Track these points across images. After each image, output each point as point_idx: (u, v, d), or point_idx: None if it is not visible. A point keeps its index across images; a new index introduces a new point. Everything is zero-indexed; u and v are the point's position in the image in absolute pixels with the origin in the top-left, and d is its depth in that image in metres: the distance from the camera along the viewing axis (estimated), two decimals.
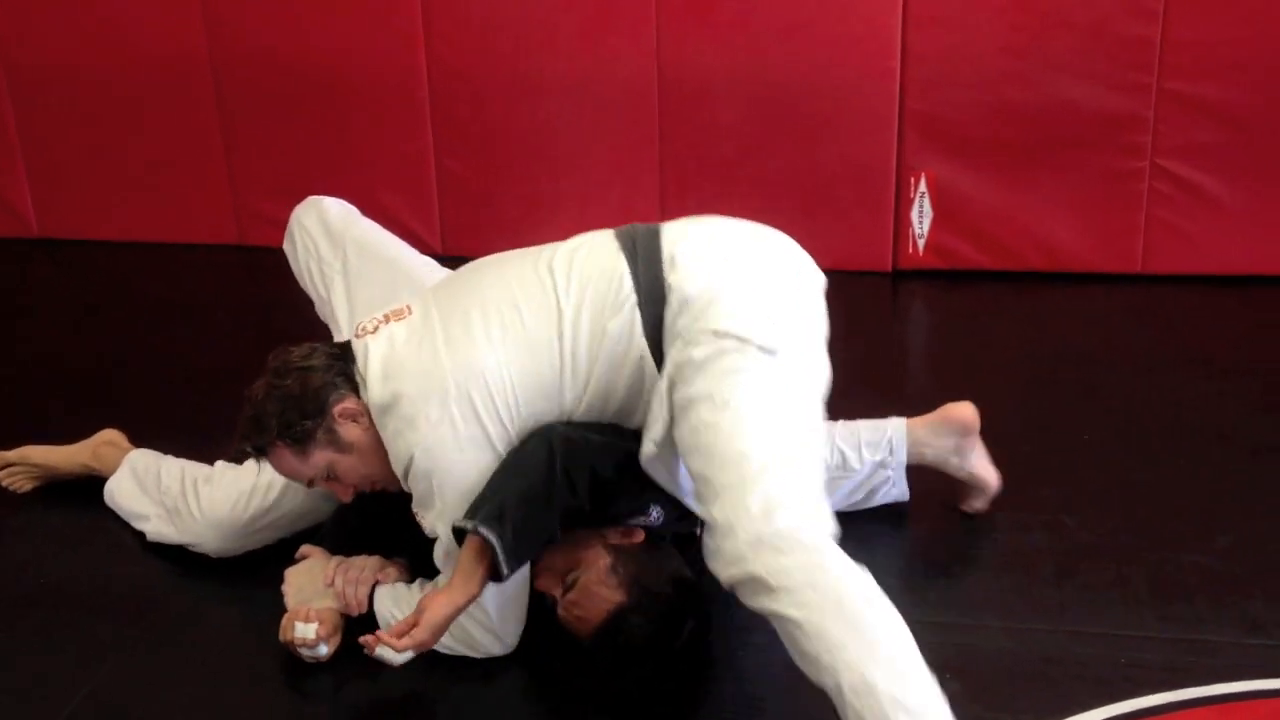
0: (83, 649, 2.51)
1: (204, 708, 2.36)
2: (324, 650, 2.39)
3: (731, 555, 2.05)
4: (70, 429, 3.03)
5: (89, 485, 2.94)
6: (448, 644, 2.36)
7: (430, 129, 4.12)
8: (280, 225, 4.21)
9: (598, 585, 2.31)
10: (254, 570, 2.66)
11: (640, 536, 2.38)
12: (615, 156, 4.05)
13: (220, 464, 2.73)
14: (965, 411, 2.67)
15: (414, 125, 4.12)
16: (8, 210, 4.52)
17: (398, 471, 2.29)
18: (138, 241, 4.46)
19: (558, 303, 2.30)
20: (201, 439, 2.87)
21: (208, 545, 2.69)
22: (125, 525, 2.84)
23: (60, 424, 3.12)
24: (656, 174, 4.04)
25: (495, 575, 2.24)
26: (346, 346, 2.37)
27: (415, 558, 2.49)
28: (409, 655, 2.24)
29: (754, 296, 2.26)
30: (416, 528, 2.52)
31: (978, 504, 2.74)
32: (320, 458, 2.31)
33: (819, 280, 2.41)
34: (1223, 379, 3.38)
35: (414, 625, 2.21)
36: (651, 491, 2.36)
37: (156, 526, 2.75)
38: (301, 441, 2.29)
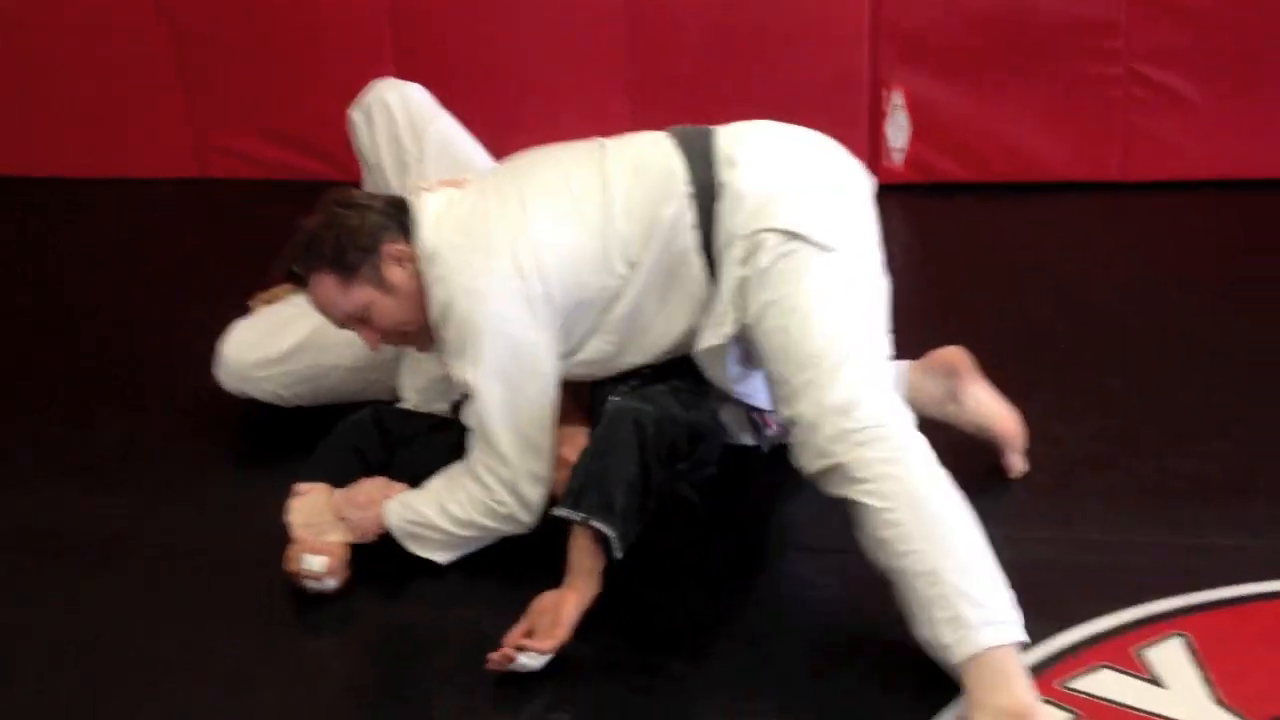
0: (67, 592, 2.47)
1: (197, 648, 2.32)
2: (331, 583, 2.35)
3: (816, 450, 2.11)
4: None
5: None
6: (468, 515, 2.36)
7: (392, 55, 3.99)
8: (243, 158, 4.21)
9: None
10: (252, 503, 2.62)
11: None
12: (582, 79, 3.96)
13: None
14: (951, 353, 2.63)
15: (375, 51, 3.99)
16: None
17: (433, 316, 2.32)
18: (92, 177, 4.30)
19: (606, 183, 2.34)
20: (177, 374, 2.84)
21: (219, 377, 2.83)
22: None
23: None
24: (625, 95, 3.94)
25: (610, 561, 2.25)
26: (403, 202, 2.41)
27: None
28: (549, 657, 2.19)
29: (809, 195, 2.30)
30: (411, 458, 2.51)
31: (1012, 461, 2.61)
32: (361, 294, 2.33)
33: (869, 184, 2.44)
34: (1206, 284, 3.37)
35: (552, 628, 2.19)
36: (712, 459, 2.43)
37: None
38: (348, 272, 2.32)
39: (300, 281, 2.39)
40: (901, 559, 2.03)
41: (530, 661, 2.17)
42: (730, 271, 2.28)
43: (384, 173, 2.92)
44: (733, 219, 2.29)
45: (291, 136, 4.16)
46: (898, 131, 3.86)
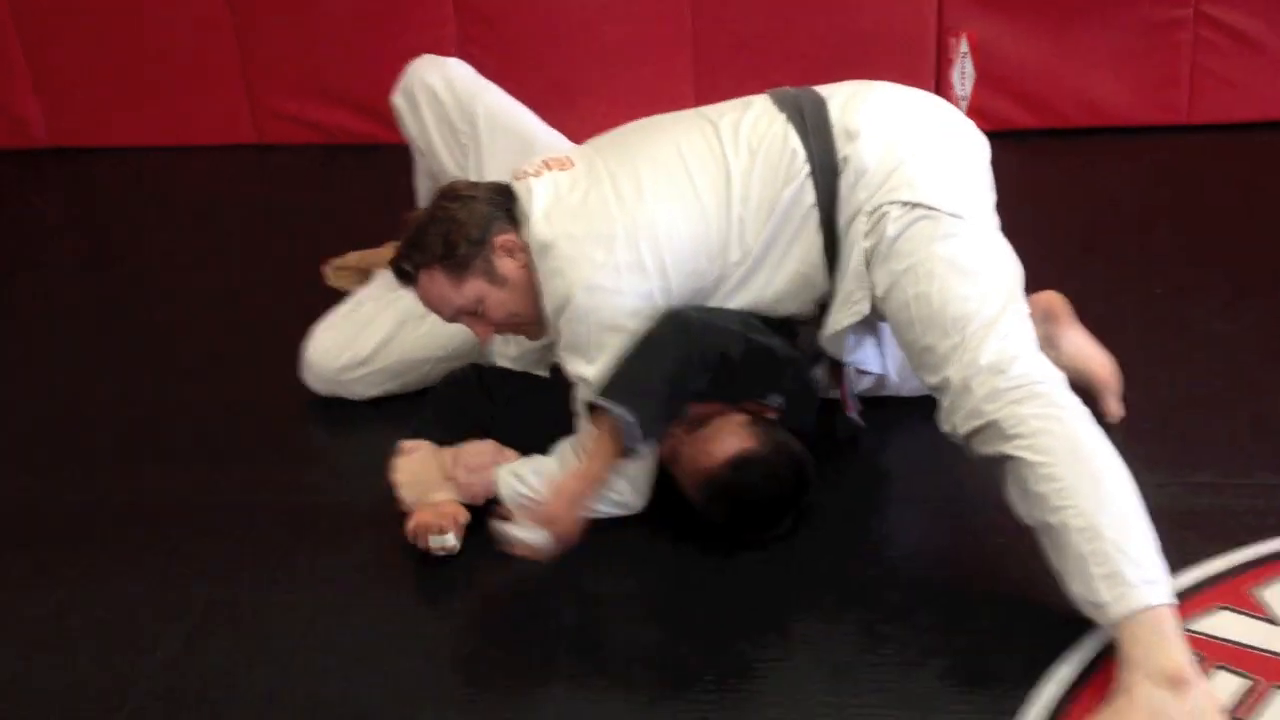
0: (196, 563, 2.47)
1: (332, 611, 2.33)
2: (453, 541, 2.36)
3: (969, 410, 2.10)
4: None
5: None
6: (592, 506, 2.34)
7: (453, 14, 3.99)
8: (300, 123, 4.20)
9: (732, 428, 2.33)
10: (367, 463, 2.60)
11: (773, 414, 2.36)
12: (644, 33, 3.95)
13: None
14: (1047, 298, 2.62)
15: (436, 11, 3.99)
16: (12, 120, 4.34)
17: (550, 311, 2.29)
18: (150, 146, 4.31)
19: (727, 167, 2.29)
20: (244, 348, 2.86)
21: (308, 381, 2.82)
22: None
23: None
24: (689, 50, 3.94)
25: (628, 452, 2.26)
26: (507, 187, 2.36)
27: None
28: (544, 536, 2.23)
29: (932, 164, 2.26)
30: (513, 419, 2.51)
31: (1109, 406, 2.57)
32: (473, 288, 2.31)
33: (986, 146, 2.39)
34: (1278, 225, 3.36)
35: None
36: (772, 383, 2.37)
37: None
38: (460, 268, 2.30)
39: (408, 279, 2.36)
40: (1059, 514, 1.99)
41: (524, 534, 2.23)
42: (855, 246, 2.25)
43: (438, 157, 2.88)
44: (856, 194, 2.25)
45: (349, 100, 4.15)
46: (964, 79, 3.84)
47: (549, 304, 2.29)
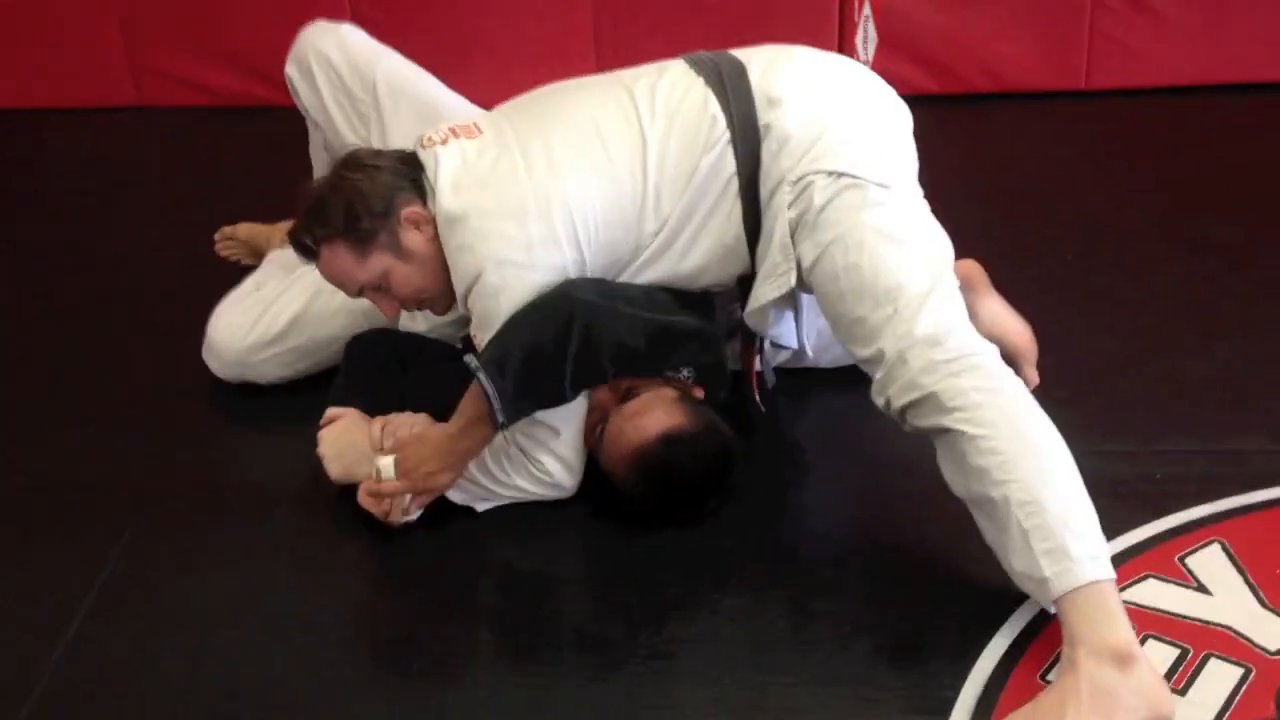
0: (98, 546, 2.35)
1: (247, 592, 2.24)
2: (416, 514, 2.29)
3: (905, 382, 2.05)
4: None
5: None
6: (511, 479, 2.29)
7: None
8: (184, 83, 4.02)
9: (662, 403, 2.27)
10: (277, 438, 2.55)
11: (700, 393, 2.30)
12: None
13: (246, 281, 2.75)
14: (964, 266, 2.54)
15: None
16: None
17: (459, 287, 2.20)
18: (19, 108, 4.07)
19: (642, 133, 2.21)
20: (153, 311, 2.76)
21: (211, 365, 2.67)
22: None
23: None
24: (589, 7, 3.84)
25: (493, 424, 2.18)
26: (412, 156, 2.26)
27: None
28: (412, 514, 2.22)
29: (856, 133, 2.20)
30: (427, 388, 2.44)
31: (1026, 374, 2.52)
32: (378, 262, 2.22)
33: (908, 115, 2.34)
34: (1181, 189, 3.39)
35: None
36: (681, 354, 2.29)
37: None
38: (363, 241, 2.20)
39: (309, 253, 2.25)
40: (1000, 488, 1.96)
41: (381, 462, 2.20)
42: (779, 217, 2.19)
43: (336, 128, 2.77)
44: (779, 163, 2.19)
45: (237, 60, 3.98)
46: (866, 43, 3.81)
47: (458, 280, 2.20)
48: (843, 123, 2.20)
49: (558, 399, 2.20)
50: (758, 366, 2.52)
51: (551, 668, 2.07)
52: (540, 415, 2.23)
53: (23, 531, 2.40)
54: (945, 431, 2.03)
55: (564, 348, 2.15)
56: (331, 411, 2.39)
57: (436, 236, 2.21)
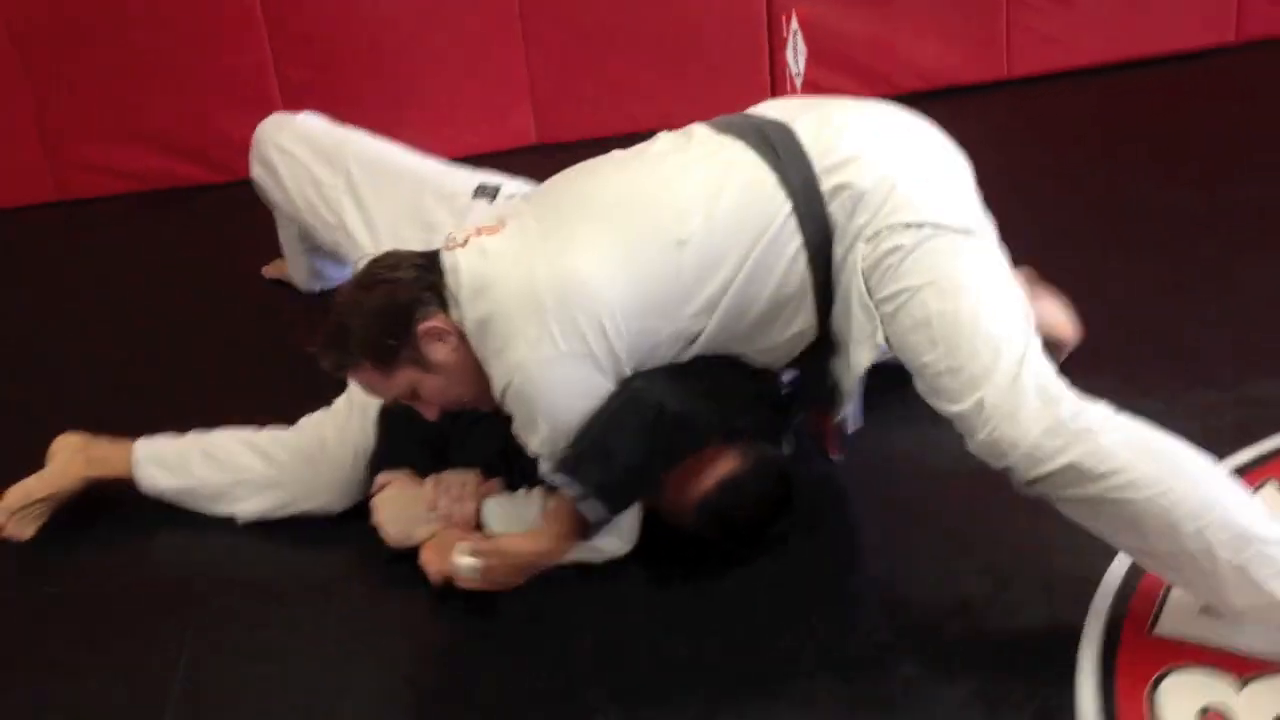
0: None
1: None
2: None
3: (1029, 445, 1.91)
4: None
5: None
6: (570, 552, 2.25)
7: (266, 37, 3.76)
8: (107, 171, 3.89)
9: (714, 453, 2.24)
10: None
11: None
12: (474, 38, 3.81)
13: (305, 419, 2.50)
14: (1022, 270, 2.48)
15: (247, 34, 3.75)
16: None
17: (495, 391, 2.13)
18: None
19: (678, 213, 2.09)
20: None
21: (331, 503, 2.45)
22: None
23: None
24: (521, 50, 3.83)
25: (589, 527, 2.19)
26: (434, 257, 2.17)
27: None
28: (470, 563, 2.16)
29: (927, 180, 2.09)
30: (473, 442, 2.40)
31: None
32: (404, 377, 2.14)
33: (965, 160, 2.21)
34: (1128, 160, 3.53)
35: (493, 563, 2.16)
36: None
37: (250, 505, 2.46)
38: (386, 360, 2.12)
39: (334, 370, 2.21)
40: (1196, 538, 1.86)
41: (455, 555, 2.15)
42: (855, 275, 2.06)
43: (307, 219, 2.75)
44: (854, 222, 2.06)
45: (165, 140, 3.87)
46: (797, 56, 3.88)
47: (495, 384, 2.12)
48: (913, 172, 2.09)
49: (649, 493, 2.22)
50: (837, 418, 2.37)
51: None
52: None
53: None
54: (1101, 501, 1.91)
55: (652, 458, 2.16)
56: (381, 478, 2.35)
57: (462, 344, 2.12)
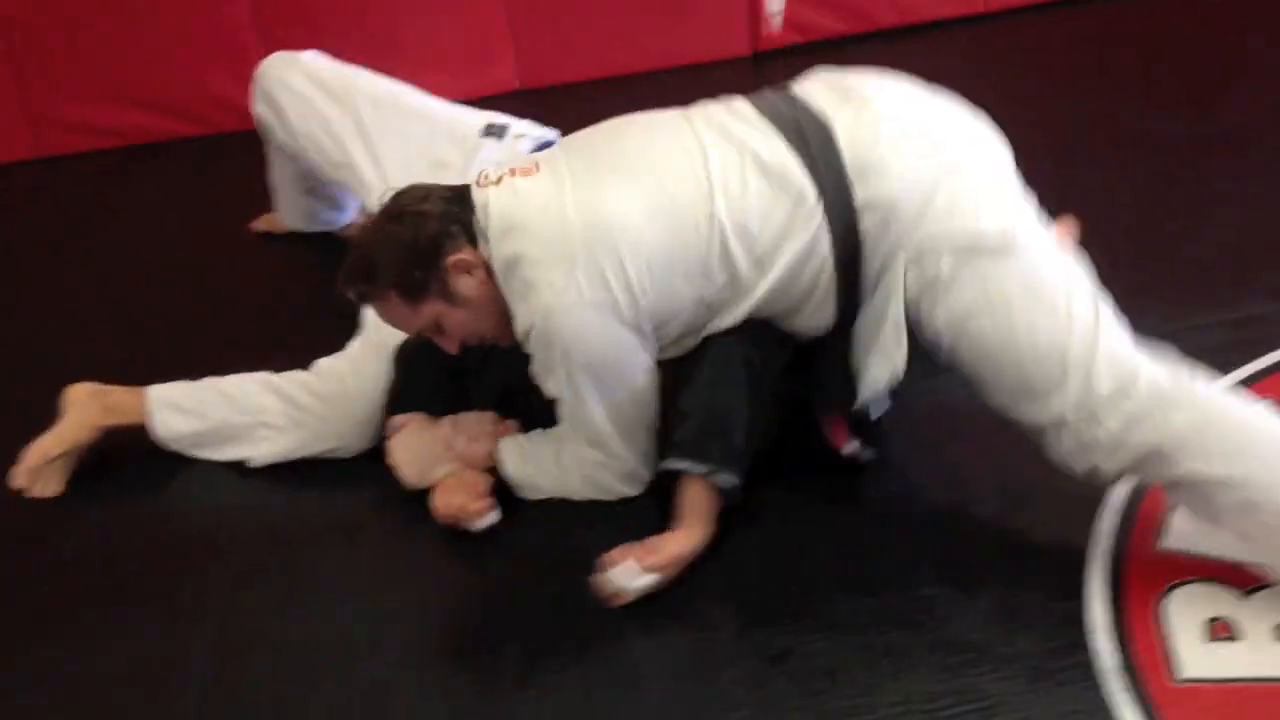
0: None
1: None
2: (497, 514, 2.26)
3: (1111, 445, 1.96)
4: None
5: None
6: (583, 492, 2.30)
7: None
8: (85, 128, 3.86)
9: None
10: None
11: None
12: None
13: (323, 361, 2.50)
14: (1064, 223, 2.43)
15: None
16: None
17: (519, 331, 2.15)
18: None
19: (713, 190, 2.08)
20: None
21: (350, 443, 2.46)
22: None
23: None
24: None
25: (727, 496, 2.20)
26: (465, 192, 2.17)
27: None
28: (647, 581, 2.11)
29: (969, 189, 2.05)
30: (487, 384, 2.42)
31: None
32: (430, 309, 2.15)
33: (1006, 148, 2.16)
34: (1108, 90, 3.58)
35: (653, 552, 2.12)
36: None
37: (269, 447, 2.47)
38: (413, 292, 2.13)
39: (360, 301, 2.23)
40: (1269, 509, 1.89)
41: (627, 581, 2.09)
42: (893, 298, 2.06)
43: (314, 161, 2.74)
44: (886, 237, 2.05)
45: (142, 97, 3.85)
46: None
47: (518, 325, 2.15)
48: (951, 181, 2.04)
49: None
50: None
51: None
52: (603, 445, 2.24)
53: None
54: (1188, 483, 1.96)
55: (755, 408, 2.19)
56: (396, 420, 2.36)
57: (488, 279, 2.14)
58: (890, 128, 2.07)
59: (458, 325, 2.17)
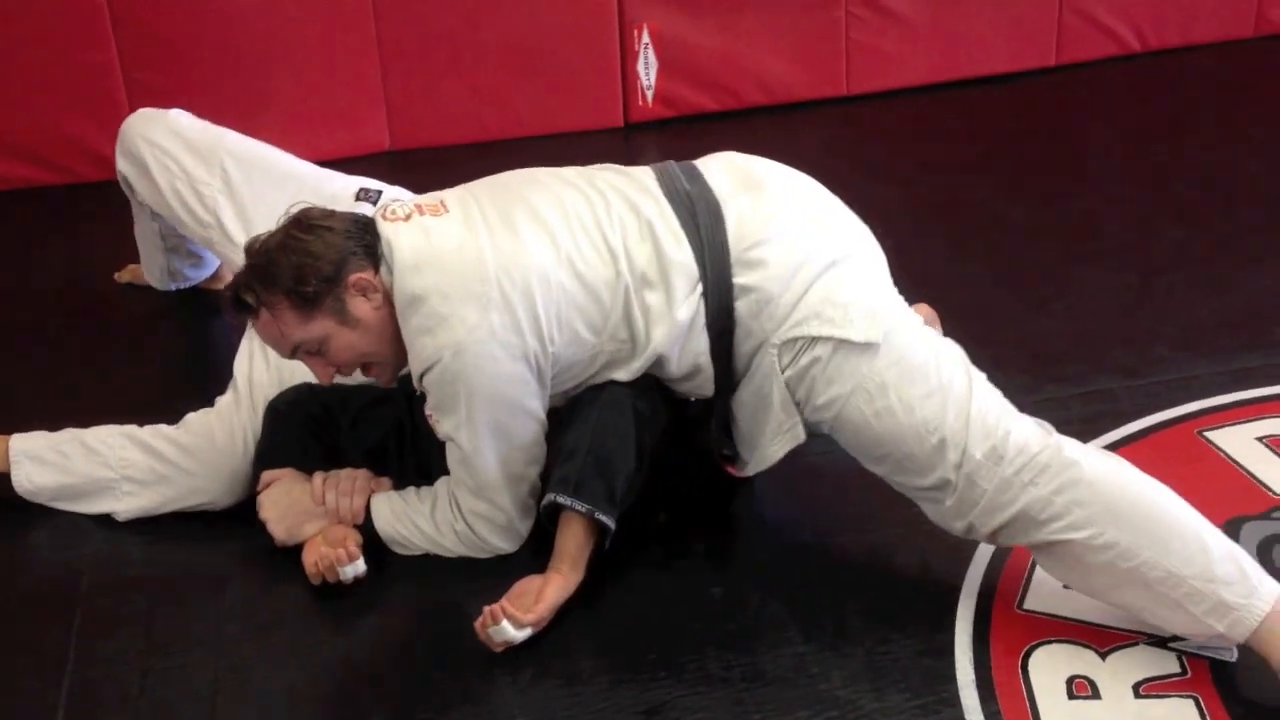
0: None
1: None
2: (363, 566, 2.23)
3: (986, 506, 2.05)
4: None
5: None
6: (457, 550, 2.29)
7: (113, 37, 3.68)
8: None
9: None
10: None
11: None
12: (328, 40, 3.81)
13: (191, 415, 2.46)
14: (922, 310, 2.53)
15: (93, 34, 3.67)
16: None
17: (415, 367, 2.14)
18: None
19: (614, 251, 2.14)
20: None
21: (218, 498, 2.41)
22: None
23: None
24: (375, 54, 3.84)
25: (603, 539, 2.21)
26: (370, 223, 2.17)
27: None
28: (529, 632, 2.12)
29: (842, 288, 2.13)
30: (361, 437, 2.42)
31: None
32: (320, 326, 2.12)
33: (879, 252, 2.27)
34: (952, 171, 3.75)
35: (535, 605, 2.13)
36: None
37: (134, 502, 2.41)
38: (308, 304, 2.10)
39: (247, 309, 2.16)
40: (1132, 576, 1.97)
41: (511, 632, 2.09)
42: (772, 380, 2.15)
43: (177, 215, 2.71)
44: (759, 324, 2.14)
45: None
46: (648, 68, 3.98)
47: (414, 360, 2.14)
48: (828, 279, 2.13)
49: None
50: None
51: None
52: (487, 494, 2.23)
53: None
54: (1049, 544, 2.04)
55: (640, 456, 2.21)
56: (267, 475, 2.33)
57: (384, 305, 2.13)
58: (779, 224, 2.16)
59: (344, 348, 2.15)
